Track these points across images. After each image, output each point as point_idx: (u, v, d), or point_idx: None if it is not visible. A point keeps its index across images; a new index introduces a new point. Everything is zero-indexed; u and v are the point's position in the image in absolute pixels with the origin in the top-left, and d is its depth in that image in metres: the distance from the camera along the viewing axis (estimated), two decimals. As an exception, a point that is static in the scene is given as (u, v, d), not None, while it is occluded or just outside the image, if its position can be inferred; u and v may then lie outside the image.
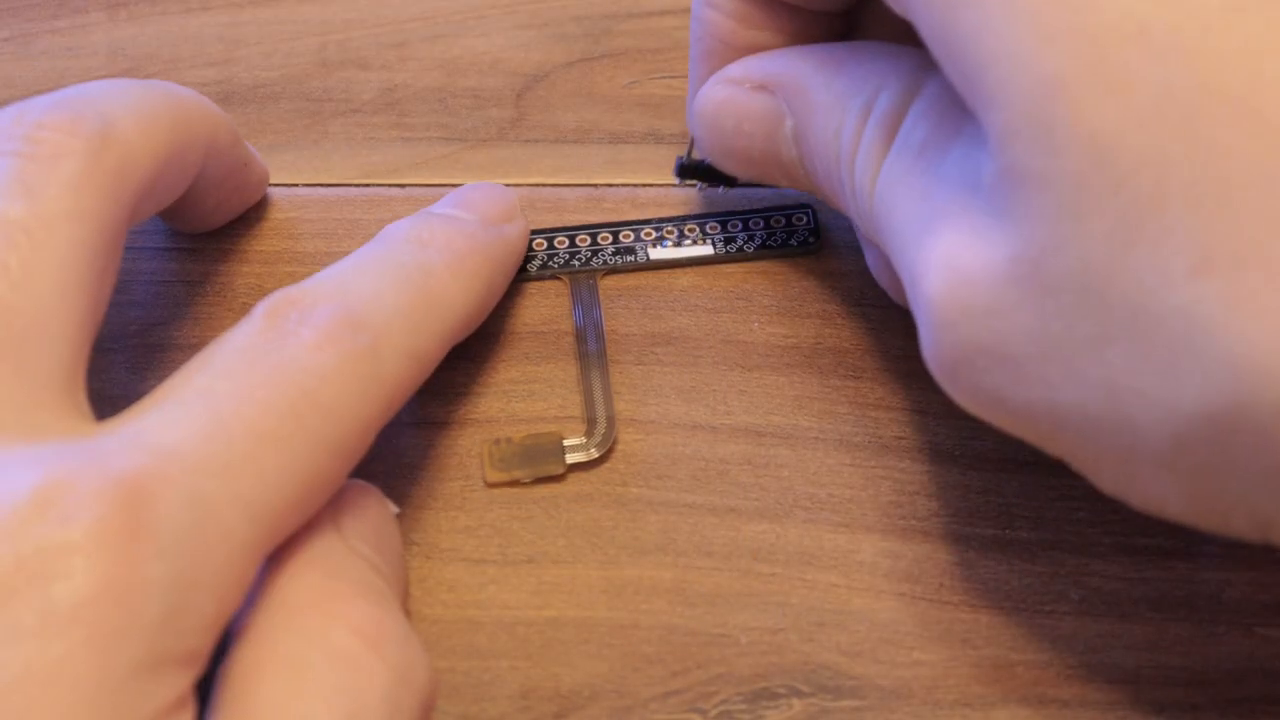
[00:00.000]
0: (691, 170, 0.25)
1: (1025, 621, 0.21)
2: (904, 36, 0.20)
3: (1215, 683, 0.21)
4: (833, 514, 0.22)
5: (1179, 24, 0.14)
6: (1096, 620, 0.21)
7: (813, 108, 0.21)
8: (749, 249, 0.25)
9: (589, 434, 0.23)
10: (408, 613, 0.21)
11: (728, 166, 0.24)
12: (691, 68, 0.23)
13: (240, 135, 0.24)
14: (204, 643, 0.16)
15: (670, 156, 0.26)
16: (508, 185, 0.26)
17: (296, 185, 0.26)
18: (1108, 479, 0.17)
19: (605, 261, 0.25)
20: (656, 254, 0.25)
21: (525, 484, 0.22)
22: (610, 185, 0.26)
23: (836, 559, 0.22)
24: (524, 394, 0.23)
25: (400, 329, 0.19)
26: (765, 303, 0.25)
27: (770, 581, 0.22)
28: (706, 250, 0.25)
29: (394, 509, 0.21)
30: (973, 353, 0.17)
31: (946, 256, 0.17)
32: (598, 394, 0.23)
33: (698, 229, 0.25)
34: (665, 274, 0.25)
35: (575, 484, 0.23)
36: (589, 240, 0.25)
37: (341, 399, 0.18)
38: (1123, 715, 0.20)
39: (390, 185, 0.26)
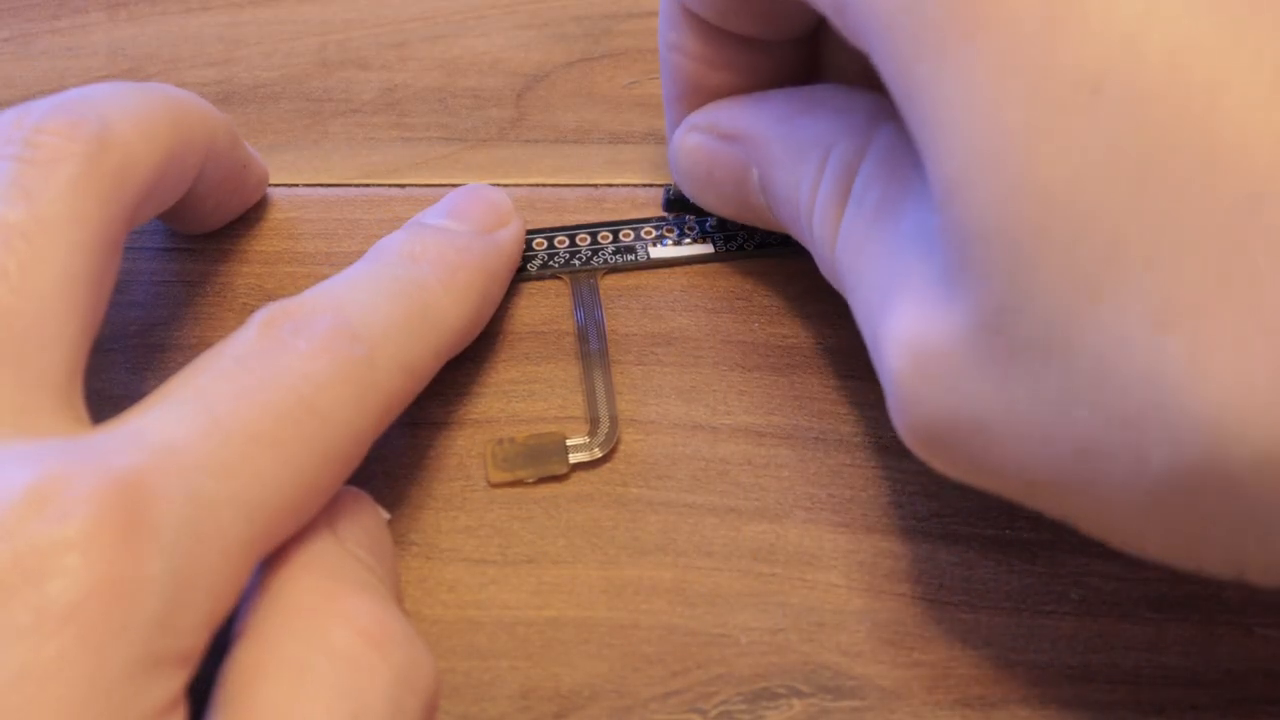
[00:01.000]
0: (678, 204, 0.25)
1: (1025, 621, 0.21)
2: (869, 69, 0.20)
3: (1215, 683, 0.21)
4: (833, 514, 0.22)
5: (1131, 81, 0.14)
6: (1096, 620, 0.21)
7: (773, 161, 0.21)
8: (749, 247, 0.25)
9: (592, 433, 0.23)
10: (407, 614, 0.21)
11: (707, 206, 0.24)
12: (666, 108, 0.24)
13: (239, 136, 0.24)
14: (198, 642, 0.16)
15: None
16: (507, 185, 0.26)
17: (296, 185, 0.26)
18: (1085, 526, 0.17)
19: (605, 261, 0.25)
20: (657, 253, 0.25)
21: (528, 484, 0.22)
22: (610, 185, 0.26)
23: (836, 559, 0.22)
24: (524, 394, 0.23)
25: (394, 341, 0.19)
26: (765, 303, 0.25)
27: (770, 581, 0.22)
28: (707, 249, 0.25)
29: (385, 515, 0.21)
30: (940, 424, 0.17)
31: (906, 328, 0.17)
32: (600, 393, 0.23)
33: (698, 228, 0.25)
34: (665, 274, 0.25)
35: (575, 484, 0.23)
36: (589, 240, 0.25)
37: (337, 407, 0.18)
38: (1123, 715, 0.20)
39: (390, 185, 0.26)
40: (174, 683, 0.15)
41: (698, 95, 0.23)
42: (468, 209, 0.24)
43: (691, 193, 0.24)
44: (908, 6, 0.16)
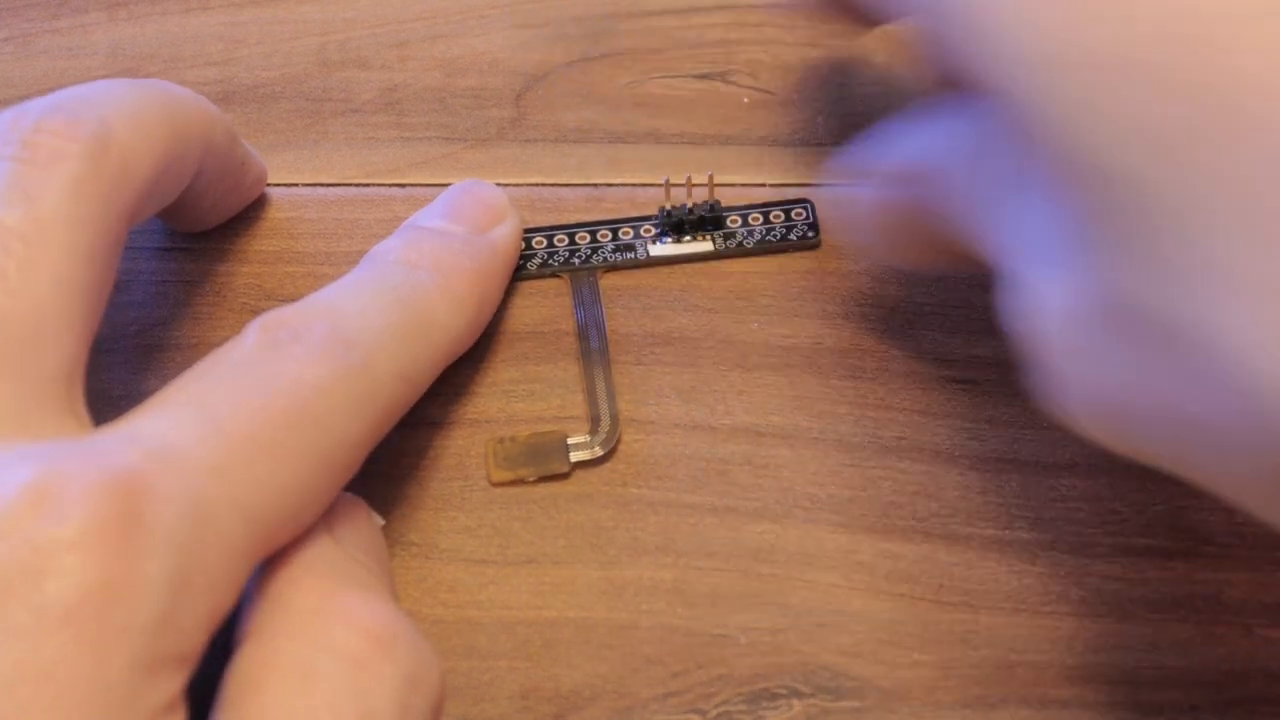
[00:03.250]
0: (677, 227, 0.25)
1: (1025, 621, 0.21)
2: None
3: (1215, 683, 0.21)
4: (833, 514, 0.22)
5: (1188, 63, 0.14)
6: (1096, 620, 0.21)
7: (948, 187, 0.20)
8: (749, 244, 0.25)
9: (593, 432, 0.23)
10: (407, 614, 0.21)
11: (902, 260, 0.24)
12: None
13: (237, 134, 0.24)
14: (197, 643, 0.16)
15: (670, 157, 0.26)
16: (508, 185, 0.26)
17: (296, 185, 0.26)
18: (1233, 498, 0.17)
19: (605, 259, 0.25)
20: (656, 250, 0.25)
21: (530, 483, 0.22)
22: (610, 185, 0.26)
23: (836, 559, 0.22)
24: (524, 394, 0.23)
25: (390, 348, 0.19)
26: (765, 303, 0.25)
27: (770, 581, 0.22)
28: (706, 247, 0.25)
29: (379, 520, 0.21)
30: (1088, 396, 0.17)
31: (1047, 297, 0.17)
32: (601, 392, 0.23)
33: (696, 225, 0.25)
34: (665, 274, 0.25)
35: (575, 484, 0.23)
36: (589, 238, 0.25)
37: (335, 413, 0.18)
38: (1122, 715, 0.20)
39: (390, 185, 0.26)
40: (173, 683, 0.15)
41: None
42: (463, 208, 0.24)
43: (888, 249, 0.23)
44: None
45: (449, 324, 0.21)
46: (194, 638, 0.16)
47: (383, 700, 0.16)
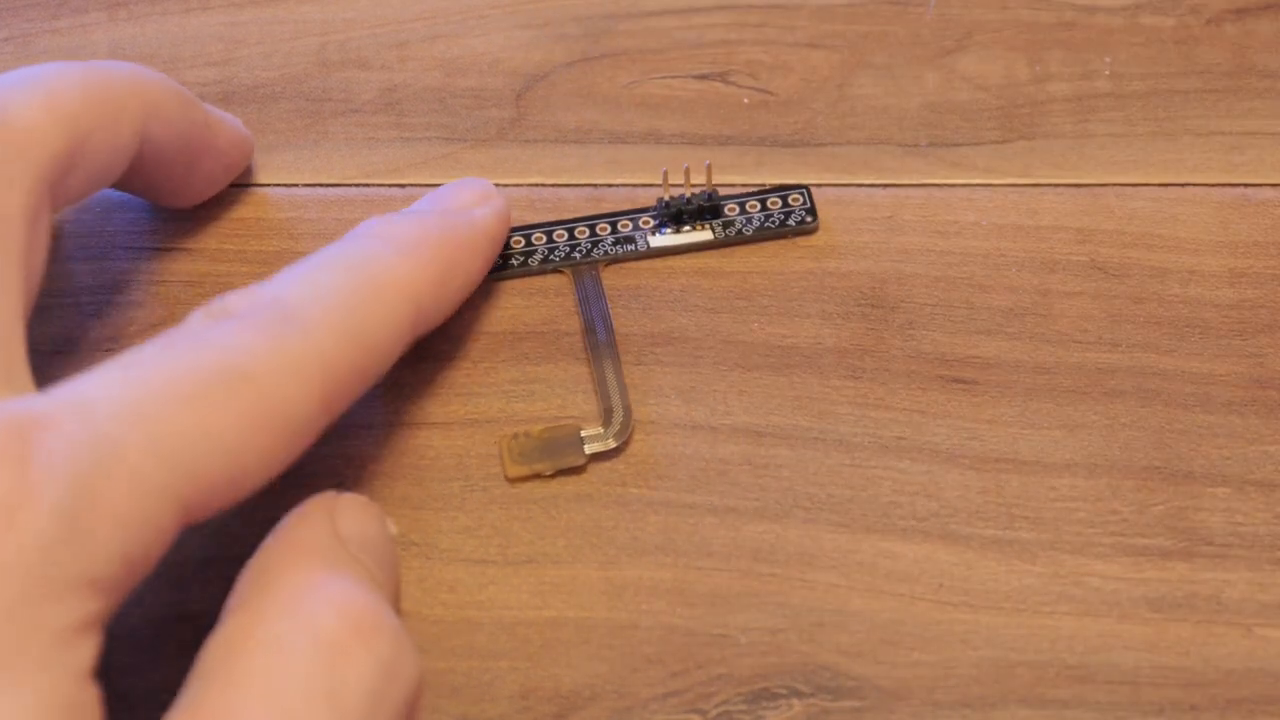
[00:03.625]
0: (674, 218, 0.25)
1: (1025, 621, 0.21)
2: None
3: (1215, 683, 0.21)
4: (832, 514, 0.22)
5: None
6: (1096, 620, 0.21)
7: None
8: (748, 232, 0.25)
9: (606, 423, 0.23)
10: (406, 614, 0.21)
11: None
12: None
13: (195, 99, 0.23)
14: (112, 572, 0.16)
15: (670, 157, 0.26)
16: (507, 185, 0.26)
17: (296, 185, 0.26)
18: None
19: (606, 252, 0.25)
20: (656, 242, 0.25)
21: (546, 477, 0.22)
22: (610, 185, 0.26)
23: (836, 559, 0.22)
24: (524, 394, 0.23)
25: (333, 308, 0.19)
26: (765, 303, 0.25)
27: (770, 581, 0.22)
28: (706, 236, 0.25)
29: (393, 529, 0.21)
30: None
31: None
32: (612, 383, 0.23)
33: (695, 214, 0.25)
34: (665, 273, 0.25)
35: (575, 484, 0.23)
36: (588, 232, 0.25)
37: (272, 373, 0.18)
38: (1122, 715, 0.20)
39: (390, 185, 0.26)
40: (85, 606, 0.16)
41: None
42: (443, 196, 0.24)
43: None
44: None
45: (406, 281, 0.21)
46: (107, 566, 0.16)
47: (354, 685, 0.16)
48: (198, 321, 0.19)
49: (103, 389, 0.17)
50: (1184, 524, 0.22)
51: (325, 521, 0.19)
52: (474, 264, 0.23)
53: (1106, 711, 0.20)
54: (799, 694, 0.21)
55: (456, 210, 0.23)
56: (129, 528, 0.16)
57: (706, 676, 0.21)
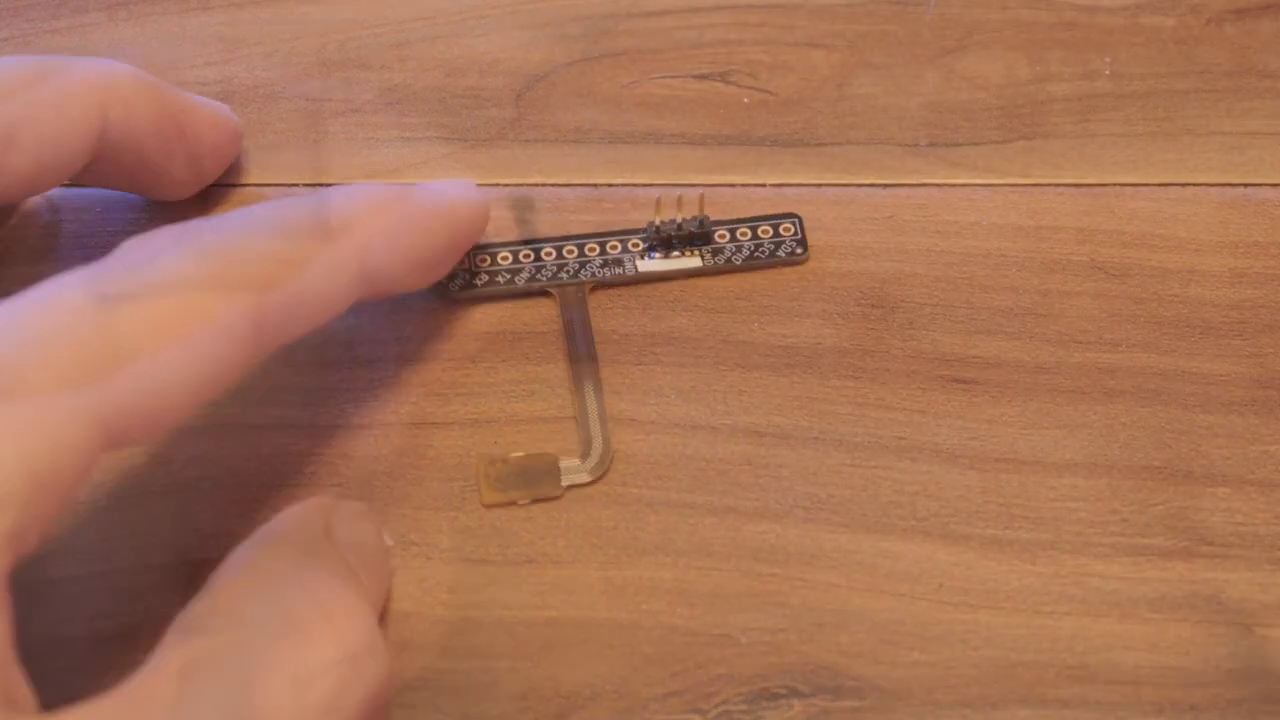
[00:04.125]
0: (663, 244, 0.25)
1: (1025, 621, 0.21)
2: None
3: (1215, 683, 0.21)
4: (833, 514, 0.22)
5: None
6: (1097, 620, 0.21)
7: None
8: (737, 260, 0.25)
9: (584, 455, 0.23)
10: (407, 614, 0.21)
11: None
12: None
13: (164, 85, 0.23)
14: (10, 486, 0.16)
15: (670, 157, 0.26)
16: (508, 185, 0.26)
17: (296, 185, 0.26)
18: None
19: (593, 274, 0.25)
20: (645, 266, 0.25)
21: (522, 505, 0.22)
22: (610, 185, 0.26)
23: (836, 559, 0.22)
24: (524, 394, 0.23)
25: (272, 235, 0.19)
26: (765, 303, 0.25)
27: (770, 581, 0.22)
28: (695, 263, 0.25)
29: (389, 541, 0.21)
30: None
31: None
32: (593, 414, 0.23)
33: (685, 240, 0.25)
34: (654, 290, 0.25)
35: (575, 484, 0.23)
36: (576, 251, 0.25)
37: (201, 291, 0.18)
38: (1123, 715, 0.20)
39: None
40: None
41: None
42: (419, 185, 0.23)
43: None
44: None
45: (342, 210, 0.20)
46: (4, 481, 0.16)
47: (319, 672, 0.17)
48: (125, 248, 0.19)
49: (6, 308, 0.17)
50: (1184, 524, 0.22)
51: (316, 519, 0.19)
52: (433, 227, 0.22)
53: (1107, 711, 0.20)
54: (799, 694, 0.21)
55: (424, 188, 0.23)
56: (29, 440, 0.16)
57: (707, 676, 0.21)
